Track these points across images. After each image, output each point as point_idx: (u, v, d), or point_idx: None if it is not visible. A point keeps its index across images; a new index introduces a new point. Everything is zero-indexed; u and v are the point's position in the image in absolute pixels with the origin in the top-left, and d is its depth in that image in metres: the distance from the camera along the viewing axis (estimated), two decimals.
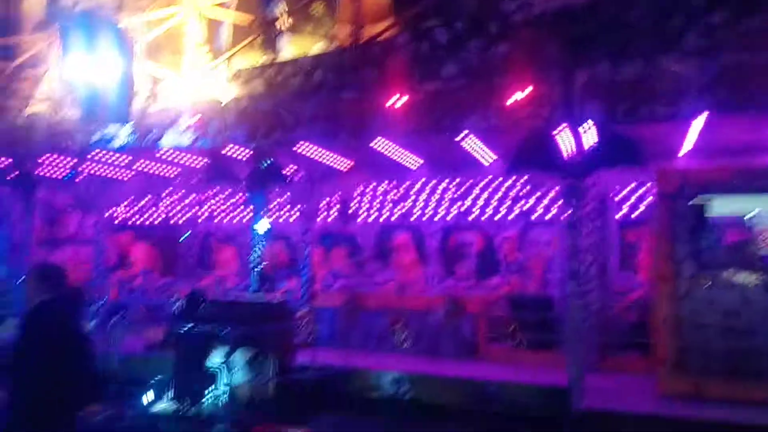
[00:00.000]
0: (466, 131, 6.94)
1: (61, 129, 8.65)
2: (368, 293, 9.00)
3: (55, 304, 3.87)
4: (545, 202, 10.94)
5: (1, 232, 12.24)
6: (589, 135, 6.45)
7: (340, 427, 6.86)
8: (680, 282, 6.48)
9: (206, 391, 6.85)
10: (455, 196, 10.75)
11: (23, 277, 9.76)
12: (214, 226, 13.77)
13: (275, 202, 8.40)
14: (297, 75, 7.71)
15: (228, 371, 6.94)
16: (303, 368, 7.27)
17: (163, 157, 8.55)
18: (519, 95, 6.36)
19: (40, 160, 9.14)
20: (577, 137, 6.36)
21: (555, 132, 6.37)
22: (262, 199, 7.98)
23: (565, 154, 6.48)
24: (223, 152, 8.04)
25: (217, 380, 6.90)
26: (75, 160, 9.48)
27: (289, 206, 10.21)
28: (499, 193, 10.65)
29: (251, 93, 7.89)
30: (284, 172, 8.14)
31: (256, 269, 8.02)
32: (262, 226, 7.93)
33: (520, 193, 10.81)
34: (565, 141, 6.48)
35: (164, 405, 7.10)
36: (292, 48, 10.11)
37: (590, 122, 6.31)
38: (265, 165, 7.82)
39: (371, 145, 7.50)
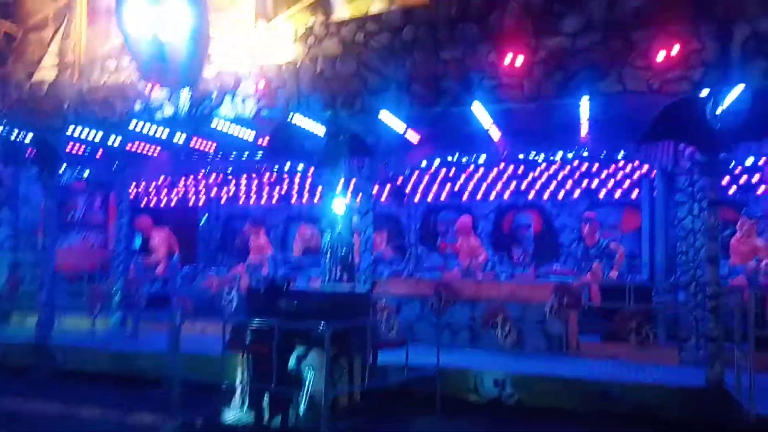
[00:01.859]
0: (586, 96, 6.03)
1: (94, 97, 7.47)
2: (458, 282, 8.06)
3: None
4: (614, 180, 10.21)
5: (6, 216, 10.98)
6: (740, 101, 5.63)
7: None
8: None
9: (290, 399, 5.89)
10: (537, 174, 9.88)
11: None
12: (241, 208, 12.71)
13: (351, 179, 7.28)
14: (382, 32, 6.69)
15: (312, 374, 5.97)
16: (391, 368, 6.37)
17: (219, 128, 7.43)
18: (663, 54, 5.48)
19: (67, 133, 7.92)
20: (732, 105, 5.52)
21: (704, 96, 5.52)
22: (337, 176, 6.95)
23: (714, 124, 5.64)
24: (293, 122, 6.97)
25: (303, 385, 5.94)
26: (102, 134, 8.31)
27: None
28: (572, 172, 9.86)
29: (325, 54, 6.83)
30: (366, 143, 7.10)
31: (331, 255, 7.01)
32: (339, 205, 6.92)
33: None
34: (712, 108, 5.65)
35: (239, 414, 6.13)
36: (346, 8, 9.02)
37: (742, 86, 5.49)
38: (344, 137, 6.79)
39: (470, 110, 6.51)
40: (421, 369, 6.39)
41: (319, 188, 10.40)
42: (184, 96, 6.71)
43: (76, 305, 9.71)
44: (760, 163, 8.97)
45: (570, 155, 9.53)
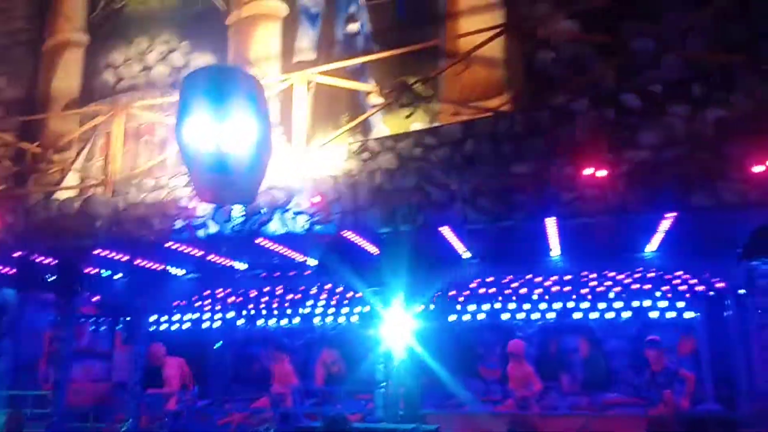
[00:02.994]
0: (673, 212, 5.64)
1: (131, 215, 6.99)
2: (534, 417, 7.20)
3: None
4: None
5: (7, 347, 10.04)
6: None
7: None
8: None
9: None
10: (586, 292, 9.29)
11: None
12: (257, 331, 11.85)
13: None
14: (442, 146, 6.40)
15: None
16: None
17: (265, 245, 6.91)
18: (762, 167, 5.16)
19: (95, 254, 7.35)
20: None
21: None
22: (392, 295, 6.32)
23: None
24: (346, 237, 6.47)
25: None
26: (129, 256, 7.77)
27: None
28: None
29: (383, 168, 6.50)
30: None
31: (387, 389, 6.21)
32: (397, 328, 6.22)
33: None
34: None
35: None
36: (385, 126, 8.92)
37: None
38: (403, 252, 6.25)
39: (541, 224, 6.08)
40: None
41: (354, 308, 9.79)
42: (237, 212, 6.26)
43: None
44: None
45: (621, 275, 9.03)
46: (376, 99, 9.07)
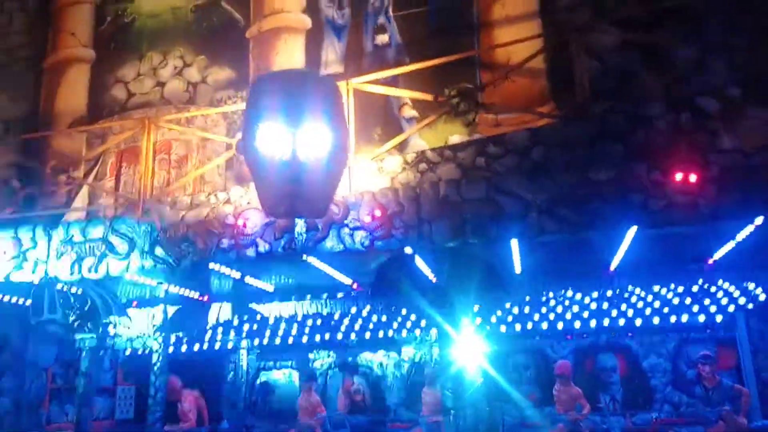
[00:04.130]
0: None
1: (170, 235, 6.45)
2: None
3: None
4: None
5: (8, 385, 9.25)
6: None
7: None
8: None
9: None
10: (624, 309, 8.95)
11: None
12: (273, 357, 11.18)
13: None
14: (509, 154, 6.09)
15: None
16: None
17: (313, 264, 6.44)
18: None
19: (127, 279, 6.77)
20: None
21: None
22: (459, 316, 5.92)
23: None
24: (409, 253, 6.07)
25: None
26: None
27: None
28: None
29: (443, 179, 6.15)
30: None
31: (456, 418, 5.77)
32: (467, 353, 5.81)
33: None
34: None
35: None
36: (421, 139, 8.61)
37: None
38: (473, 268, 5.88)
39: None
40: None
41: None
42: (300, 227, 5.81)
43: None
44: None
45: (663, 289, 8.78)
46: (409, 112, 8.79)
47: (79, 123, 10.32)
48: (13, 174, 9.47)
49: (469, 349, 5.78)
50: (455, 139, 8.31)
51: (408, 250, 6.09)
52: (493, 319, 6.77)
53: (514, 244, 5.94)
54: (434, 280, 6.20)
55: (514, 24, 8.57)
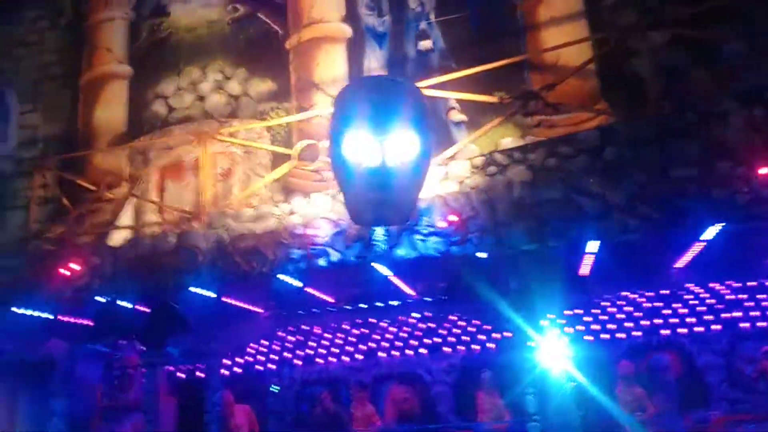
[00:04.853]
0: None
1: (238, 247, 6.39)
2: None
3: None
4: None
5: (60, 407, 9.15)
6: None
7: None
8: None
9: None
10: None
11: None
12: (317, 370, 11.11)
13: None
14: (581, 154, 6.05)
15: None
16: None
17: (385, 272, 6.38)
18: None
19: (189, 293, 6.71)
20: None
21: None
22: (539, 318, 5.86)
23: None
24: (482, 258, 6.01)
25: None
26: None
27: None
28: None
29: (514, 181, 6.10)
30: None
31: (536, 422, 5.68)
32: (554, 355, 5.74)
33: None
34: None
35: None
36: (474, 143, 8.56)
37: None
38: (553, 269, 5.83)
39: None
40: None
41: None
42: (378, 234, 5.77)
43: None
44: None
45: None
46: (458, 116, 8.75)
47: (120, 139, 10.27)
48: (58, 194, 9.41)
49: (554, 353, 5.71)
50: (508, 141, 8.26)
51: (482, 255, 6.04)
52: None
53: (593, 245, 5.88)
54: (511, 284, 6.14)
55: (559, 25, 8.55)
